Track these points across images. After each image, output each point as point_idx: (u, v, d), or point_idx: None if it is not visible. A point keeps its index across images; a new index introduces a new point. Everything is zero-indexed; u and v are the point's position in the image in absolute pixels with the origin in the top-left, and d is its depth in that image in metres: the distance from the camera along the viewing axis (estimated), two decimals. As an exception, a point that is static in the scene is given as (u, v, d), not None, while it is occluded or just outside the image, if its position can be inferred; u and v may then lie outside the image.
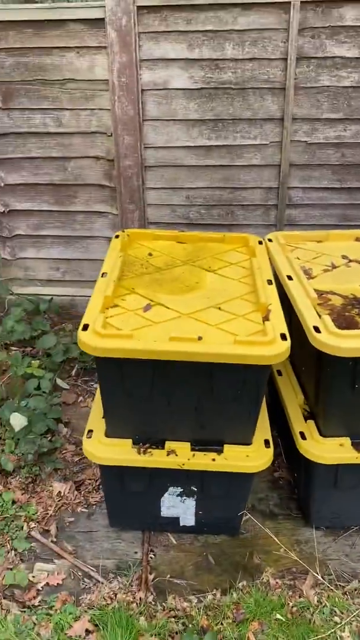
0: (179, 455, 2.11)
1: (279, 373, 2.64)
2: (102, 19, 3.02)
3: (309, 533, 2.41)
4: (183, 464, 2.10)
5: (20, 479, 2.68)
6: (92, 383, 3.34)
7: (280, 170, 3.30)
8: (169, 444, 2.14)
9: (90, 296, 2.19)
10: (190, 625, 2.04)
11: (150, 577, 2.24)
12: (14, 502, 2.55)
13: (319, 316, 2.03)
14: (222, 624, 2.05)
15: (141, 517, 2.39)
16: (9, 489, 2.62)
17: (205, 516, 2.33)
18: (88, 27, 3.07)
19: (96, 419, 2.26)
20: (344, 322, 2.03)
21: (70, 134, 3.34)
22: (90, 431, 2.21)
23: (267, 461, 2.11)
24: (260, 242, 2.69)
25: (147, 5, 2.98)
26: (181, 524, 2.37)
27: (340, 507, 2.37)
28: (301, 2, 2.91)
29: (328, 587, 2.18)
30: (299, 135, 3.22)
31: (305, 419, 2.30)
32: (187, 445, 2.14)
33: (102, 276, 2.32)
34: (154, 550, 2.36)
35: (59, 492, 2.61)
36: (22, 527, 2.44)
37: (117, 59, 3.07)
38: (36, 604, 2.14)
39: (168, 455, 2.11)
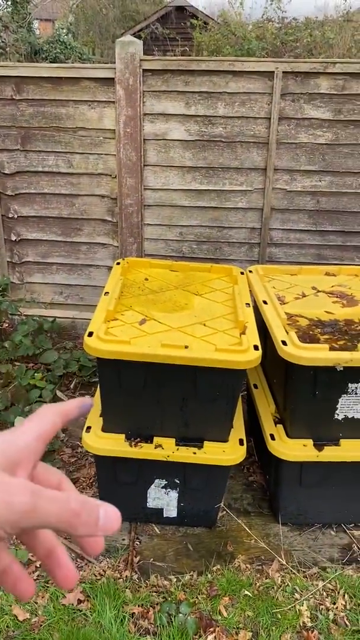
0: (165, 448, 2.45)
1: (255, 386, 3.00)
2: (112, 79, 3.51)
3: (277, 528, 2.72)
4: (168, 456, 2.43)
5: (21, 475, 2.98)
6: (89, 396, 3.68)
7: (262, 213, 3.75)
8: (157, 439, 2.47)
9: (89, 319, 2.54)
10: (169, 598, 2.33)
11: (136, 559, 2.54)
12: (15, 494, 2.85)
13: (287, 333, 2.41)
14: (197, 598, 2.34)
15: (129, 508, 2.69)
16: (12, 483, 2.92)
17: (186, 508, 2.64)
18: (100, 85, 3.55)
19: (94, 417, 2.60)
20: (307, 338, 2.41)
21: (79, 175, 3.78)
22: (89, 427, 2.54)
23: (240, 456, 2.45)
24: (242, 273, 3.09)
25: (152, 69, 3.48)
26: (165, 515, 2.68)
27: (305, 505, 2.69)
28: (283, 72, 3.41)
29: (291, 571, 2.48)
30: (279, 184, 3.68)
31: (275, 424, 2.65)
32: (173, 440, 2.47)
33: (105, 295, 2.70)
34: (139, 538, 2.66)
35: (57, 486, 2.91)
36: (23, 515, 2.73)
37: (124, 112, 3.55)
38: (35, 577, 2.42)
39: (155, 448, 2.45)
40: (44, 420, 0.49)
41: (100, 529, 0.43)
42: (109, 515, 0.43)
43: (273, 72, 3.42)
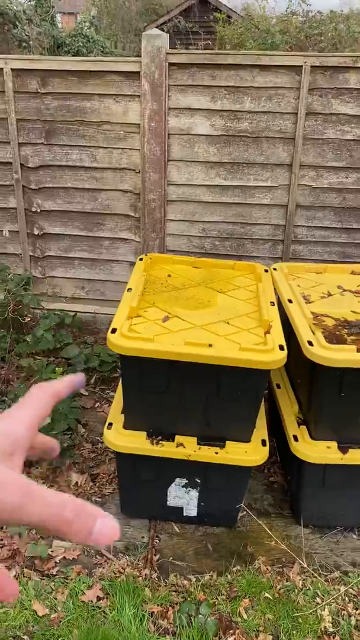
0: (187, 447, 2.42)
1: (278, 386, 2.96)
2: (138, 72, 3.48)
3: (298, 530, 2.68)
4: (189, 455, 2.41)
5: (41, 470, 2.99)
6: (109, 391, 3.67)
7: (287, 209, 3.69)
8: (178, 438, 2.45)
9: (110, 314, 2.52)
10: (188, 599, 2.31)
11: (155, 558, 2.52)
12: (35, 489, 2.85)
13: (313, 333, 2.36)
14: (217, 599, 2.32)
15: (149, 506, 2.68)
16: (30, 477, 2.93)
17: (207, 507, 2.62)
18: (125, 78, 3.52)
19: (116, 413, 2.58)
20: (334, 339, 2.37)
21: (102, 169, 3.76)
22: (110, 424, 2.53)
23: (262, 457, 2.41)
24: (266, 271, 3.04)
25: (178, 62, 3.43)
26: (184, 514, 2.66)
27: (327, 507, 2.65)
28: (311, 66, 3.34)
29: (312, 574, 2.45)
30: (305, 180, 3.62)
31: (299, 425, 2.61)
32: (194, 440, 2.45)
33: (128, 291, 2.68)
34: (159, 536, 2.65)
35: (76, 482, 2.91)
36: (43, 510, 2.73)
37: (149, 107, 3.51)
38: (54, 573, 2.42)
39: (177, 447, 2.43)
40: (36, 405, 0.48)
41: (93, 541, 0.40)
42: (104, 529, 0.40)
43: (301, 66, 3.35)
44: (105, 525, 0.40)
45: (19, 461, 0.44)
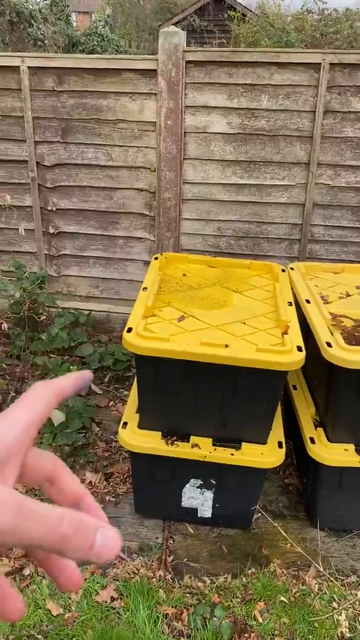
0: (202, 448, 2.40)
1: (294, 387, 2.93)
2: (155, 70, 3.46)
3: (314, 533, 2.65)
4: (205, 456, 2.38)
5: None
6: (123, 390, 3.66)
7: (304, 208, 3.65)
8: (194, 439, 2.43)
9: (124, 313, 2.51)
10: (203, 601, 2.29)
11: (169, 559, 2.51)
12: (49, 488, 2.85)
13: (332, 334, 2.33)
14: (231, 601, 2.30)
15: (163, 506, 2.66)
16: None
17: (221, 509, 2.60)
18: (141, 76, 3.50)
19: (131, 413, 2.57)
20: (353, 340, 2.33)
21: (118, 168, 3.75)
22: (125, 423, 2.51)
23: (279, 459, 2.38)
24: (283, 270, 3.01)
25: (194, 60, 3.41)
26: (199, 515, 2.64)
27: (343, 510, 2.61)
28: (330, 64, 3.30)
29: (329, 578, 2.42)
30: (323, 179, 3.58)
31: (315, 427, 2.58)
32: (210, 440, 2.43)
33: (143, 290, 2.66)
34: (173, 537, 2.63)
35: (91, 481, 2.90)
36: (57, 509, 2.73)
37: (165, 105, 3.49)
38: (68, 572, 2.41)
39: (192, 447, 2.41)
40: (36, 404, 0.43)
41: (94, 556, 0.36)
42: (107, 541, 0.37)
43: (319, 63, 3.31)
44: (106, 536, 0.37)
45: (12, 471, 0.40)
